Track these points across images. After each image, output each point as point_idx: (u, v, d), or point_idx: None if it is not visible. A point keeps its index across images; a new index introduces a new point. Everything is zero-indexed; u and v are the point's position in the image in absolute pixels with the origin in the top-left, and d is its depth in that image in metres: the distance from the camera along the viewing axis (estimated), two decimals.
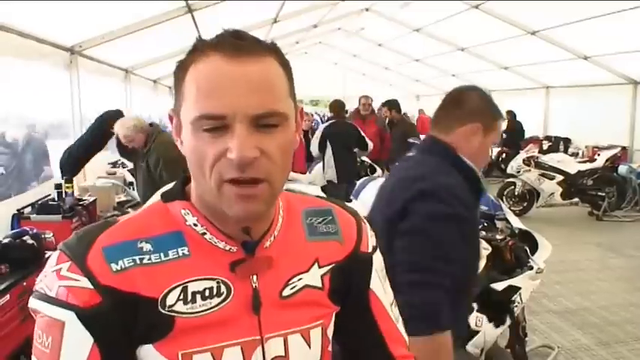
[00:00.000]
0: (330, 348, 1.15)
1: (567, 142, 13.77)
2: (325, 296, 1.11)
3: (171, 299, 0.95)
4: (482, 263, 3.67)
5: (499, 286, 3.65)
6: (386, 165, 9.50)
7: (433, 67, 18.06)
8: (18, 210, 4.64)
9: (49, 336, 0.92)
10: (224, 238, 1.01)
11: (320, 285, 1.10)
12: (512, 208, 9.44)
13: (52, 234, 4.50)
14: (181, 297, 0.96)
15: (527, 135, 14.87)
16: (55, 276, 0.93)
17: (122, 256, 0.95)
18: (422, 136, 12.53)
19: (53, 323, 0.92)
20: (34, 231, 4.26)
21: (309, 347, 1.08)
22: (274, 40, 1.03)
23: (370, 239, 1.20)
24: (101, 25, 6.48)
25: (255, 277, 1.02)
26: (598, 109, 12.81)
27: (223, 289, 0.99)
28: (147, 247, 0.97)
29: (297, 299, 1.06)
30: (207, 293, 0.98)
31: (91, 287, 0.91)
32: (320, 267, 1.11)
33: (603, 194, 10.19)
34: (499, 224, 4.08)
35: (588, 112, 13.16)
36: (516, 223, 4.14)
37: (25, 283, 3.91)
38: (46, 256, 4.25)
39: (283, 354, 1.04)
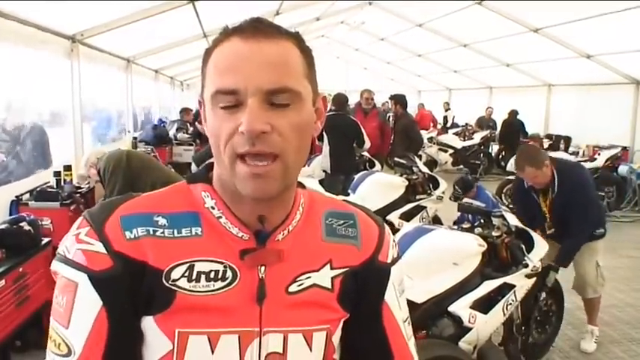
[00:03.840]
0: (336, 356, 1.13)
1: (568, 140, 13.76)
2: (334, 299, 1.08)
3: (176, 274, 0.97)
4: (478, 260, 3.68)
5: (494, 283, 3.66)
6: (387, 159, 9.52)
7: (435, 62, 18.05)
8: (16, 196, 4.65)
9: (64, 296, 0.97)
10: (238, 224, 1.02)
11: (329, 286, 1.08)
12: (510, 206, 9.43)
13: (49, 221, 4.52)
14: (186, 274, 0.98)
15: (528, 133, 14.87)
16: (74, 239, 0.98)
17: (137, 225, 0.98)
18: (422, 132, 12.63)
19: (68, 284, 0.97)
20: (31, 217, 4.27)
21: (310, 350, 1.06)
22: (302, 33, 1.04)
23: (391, 250, 1.16)
24: (103, 13, 6.46)
25: (263, 268, 1.02)
26: (600, 108, 12.81)
27: (229, 274, 1.00)
28: (162, 221, 1.01)
29: (304, 297, 1.05)
30: (212, 275, 0.99)
31: (105, 252, 0.95)
32: (332, 269, 1.09)
33: (603, 194, 10.17)
34: (495, 221, 4.07)
35: (590, 111, 13.16)
36: (513, 220, 4.14)
37: (20, 269, 3.93)
38: (43, 242, 4.27)
39: (281, 351, 1.03)
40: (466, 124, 17.98)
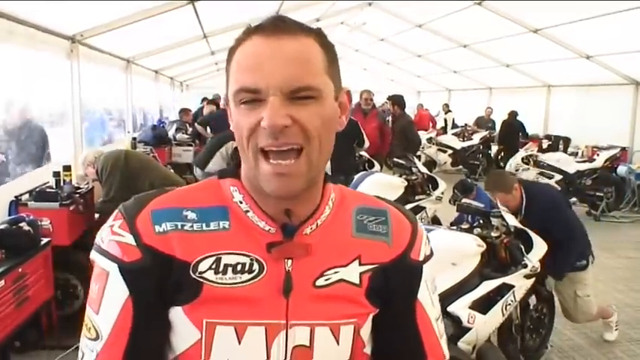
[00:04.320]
0: (366, 350, 1.14)
1: (567, 141, 13.77)
2: (362, 294, 1.08)
3: (203, 266, 1.01)
4: (477, 260, 3.68)
5: (493, 283, 3.66)
6: (386, 160, 9.52)
7: (435, 63, 18.02)
8: (16, 197, 4.64)
9: (97, 284, 1.03)
10: (265, 218, 1.04)
11: (357, 282, 1.08)
12: None
13: (49, 221, 4.51)
14: (213, 266, 1.01)
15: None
16: (109, 231, 1.04)
17: (166, 220, 1.03)
18: (420, 132, 12.64)
19: (101, 273, 1.03)
20: (31, 218, 4.27)
21: (337, 343, 1.06)
22: None
23: (424, 247, 1.16)
24: (103, 14, 6.46)
25: (289, 261, 1.04)
26: (599, 109, 12.81)
27: (255, 266, 1.02)
28: (191, 215, 1.04)
29: (331, 292, 1.05)
30: (238, 268, 1.02)
31: (134, 244, 1.00)
32: (361, 264, 1.09)
33: (602, 194, 10.20)
34: (494, 222, 4.08)
35: (589, 112, 13.16)
36: (512, 221, 4.14)
37: (20, 270, 3.93)
38: (42, 242, 4.27)
39: (308, 344, 1.04)
40: (465, 124, 17.99)
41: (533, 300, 4.42)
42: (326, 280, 1.05)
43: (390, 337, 1.16)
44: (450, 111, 19.95)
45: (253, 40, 0.97)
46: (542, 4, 9.52)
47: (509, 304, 3.73)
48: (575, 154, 12.27)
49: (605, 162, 10.60)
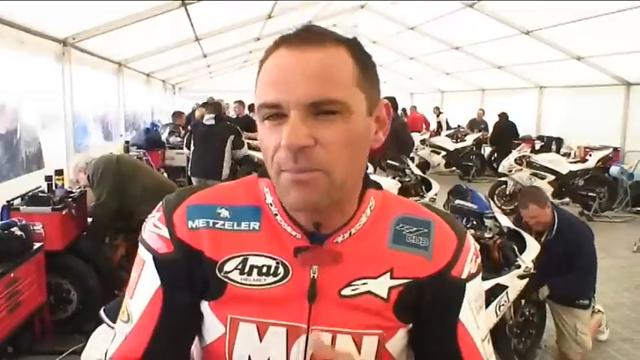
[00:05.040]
0: None
1: (559, 142, 13.82)
2: (389, 310, 1.04)
3: (229, 266, 1.02)
4: None
5: (486, 284, 3.66)
6: (380, 162, 9.54)
7: (427, 65, 18.08)
8: (8, 201, 4.62)
9: (136, 271, 1.08)
10: (291, 224, 1.03)
11: (385, 296, 1.03)
12: (503, 207, 9.47)
13: (41, 226, 4.49)
14: (239, 267, 1.02)
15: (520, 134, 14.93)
16: (151, 222, 1.08)
17: (199, 216, 1.05)
18: (413, 134, 12.66)
19: (139, 261, 1.08)
20: (23, 222, 4.25)
21: (359, 353, 1.03)
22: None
23: (468, 265, 1.09)
24: (95, 17, 6.45)
25: (316, 267, 1.02)
26: (591, 109, 12.86)
27: (281, 270, 1.02)
28: (225, 213, 1.06)
29: (356, 303, 1.02)
30: (264, 270, 1.02)
31: (168, 237, 1.04)
32: (392, 278, 1.04)
33: (594, 195, 10.23)
34: (488, 223, 4.09)
35: (581, 113, 13.21)
36: (505, 222, 4.15)
37: (12, 275, 3.92)
38: (35, 247, 4.26)
39: None
40: (458, 126, 18.03)
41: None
42: (353, 290, 1.02)
43: (428, 356, 1.12)
44: (441, 113, 19.98)
45: (279, 53, 0.94)
46: (532, 5, 9.56)
47: (503, 305, 3.74)
48: (567, 155, 12.31)
49: (598, 162, 10.63)
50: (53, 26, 6.02)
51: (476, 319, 1.10)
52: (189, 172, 7.83)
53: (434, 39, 14.51)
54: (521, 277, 3.81)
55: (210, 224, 1.04)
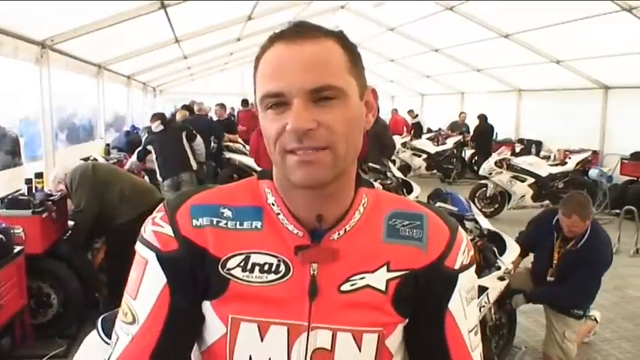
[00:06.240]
0: None
1: (539, 145, 13.95)
2: (388, 302, 1.07)
3: (231, 263, 1.05)
4: None
5: None
6: (361, 164, 9.56)
7: (407, 67, 18.18)
8: None
9: (136, 271, 1.08)
10: (294, 222, 1.07)
11: (383, 289, 1.07)
12: (483, 210, 9.54)
13: (21, 229, 4.46)
14: (241, 264, 1.05)
15: (499, 137, 15.02)
16: (151, 221, 1.10)
17: (203, 215, 1.07)
18: (395, 137, 12.71)
19: (140, 260, 1.08)
20: (3, 226, 4.22)
21: (359, 350, 1.06)
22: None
23: (461, 256, 1.12)
24: (73, 19, 6.39)
25: (315, 265, 1.05)
26: (569, 113, 13.00)
27: (282, 267, 1.05)
28: (227, 213, 1.08)
29: (356, 298, 1.06)
30: (266, 267, 1.05)
31: (172, 235, 1.06)
32: (389, 271, 1.08)
33: None
34: (468, 225, 4.12)
35: (560, 116, 13.34)
36: (485, 224, 4.18)
37: None
38: (15, 251, 4.22)
39: (329, 348, 1.05)
40: (439, 129, 18.11)
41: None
42: (352, 285, 1.06)
43: (416, 346, 1.15)
44: (417, 115, 20.01)
45: (275, 48, 1.00)
46: (512, 9, 9.65)
47: (484, 306, 3.77)
48: (547, 158, 12.40)
49: (577, 165, 10.72)
50: (31, 28, 5.94)
51: (465, 309, 1.13)
52: (159, 178, 8.00)
53: (414, 41, 14.59)
54: (501, 278, 3.84)
55: (214, 222, 1.07)
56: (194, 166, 8.18)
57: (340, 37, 1.03)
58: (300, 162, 0.97)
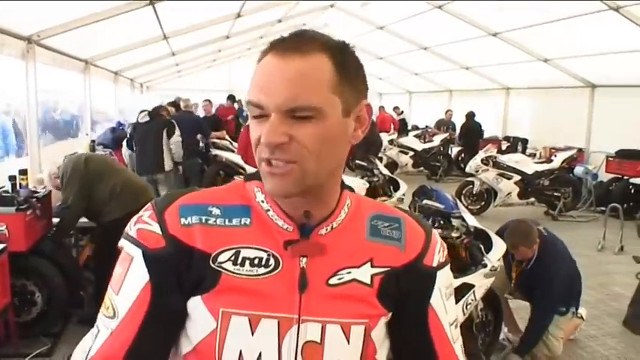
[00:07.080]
0: (378, 357, 1.16)
1: (525, 142, 14.02)
2: (373, 295, 1.12)
3: (222, 257, 1.07)
4: None
5: (454, 283, 3.68)
6: (348, 162, 9.58)
7: (396, 65, 18.19)
8: None
9: (121, 267, 1.10)
10: (284, 217, 1.10)
11: (369, 282, 1.11)
12: (470, 207, 9.57)
13: (5, 226, 4.41)
14: (232, 258, 1.07)
15: (486, 135, 15.07)
16: (138, 219, 1.11)
17: (192, 214, 1.09)
18: (382, 134, 12.72)
19: (126, 257, 1.09)
20: None
21: (348, 342, 1.09)
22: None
23: (437, 255, 1.19)
24: (60, 14, 6.34)
25: (304, 259, 1.09)
26: (556, 111, 13.09)
27: (272, 261, 1.08)
28: (216, 211, 1.11)
29: (343, 291, 1.09)
30: (256, 261, 1.07)
31: (160, 233, 1.07)
32: (373, 267, 1.13)
33: (559, 194, 10.38)
34: (455, 222, 4.13)
35: (547, 114, 13.44)
36: (472, 221, 4.19)
37: None
38: None
39: (319, 341, 1.08)
40: (426, 126, 18.16)
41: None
42: (339, 279, 1.10)
43: (402, 342, 1.20)
44: (402, 112, 20.04)
45: (267, 57, 1.02)
46: (500, 7, 9.68)
47: (470, 304, 3.78)
48: (533, 155, 12.49)
49: (563, 163, 10.78)
50: (17, 23, 5.89)
51: (445, 304, 1.20)
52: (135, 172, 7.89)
53: (403, 39, 14.62)
54: (487, 275, 3.86)
55: (203, 220, 1.09)
56: (167, 166, 8.20)
57: (336, 51, 1.04)
58: (271, 173, 1.02)
